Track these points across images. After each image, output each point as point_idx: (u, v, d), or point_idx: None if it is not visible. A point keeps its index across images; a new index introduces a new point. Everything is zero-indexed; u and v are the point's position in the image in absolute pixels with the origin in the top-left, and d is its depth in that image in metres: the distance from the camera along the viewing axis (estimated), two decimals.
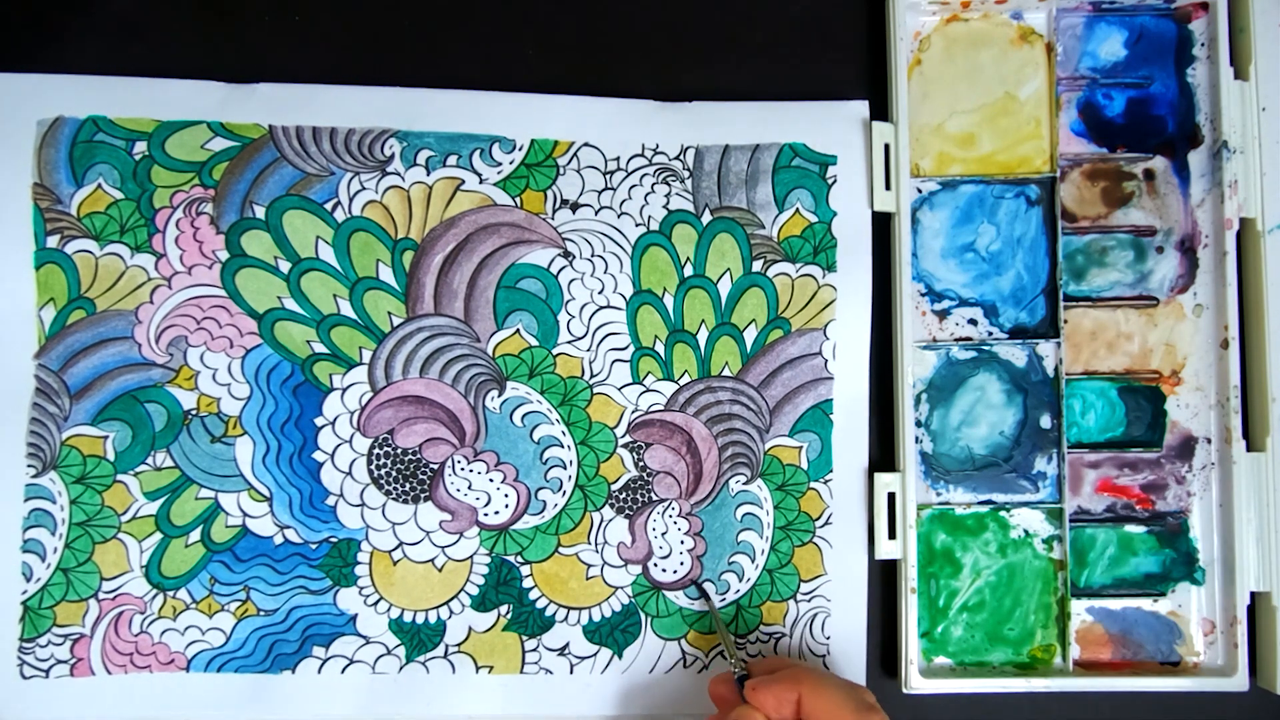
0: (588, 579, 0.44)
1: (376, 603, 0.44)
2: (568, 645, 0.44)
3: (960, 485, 0.45)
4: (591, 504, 0.44)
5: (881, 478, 0.44)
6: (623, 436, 0.44)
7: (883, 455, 0.45)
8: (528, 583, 0.44)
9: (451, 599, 0.44)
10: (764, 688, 0.39)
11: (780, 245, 0.45)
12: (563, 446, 0.44)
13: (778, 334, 0.45)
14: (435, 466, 0.44)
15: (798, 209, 0.45)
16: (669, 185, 0.45)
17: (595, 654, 0.44)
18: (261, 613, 0.43)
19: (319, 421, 0.44)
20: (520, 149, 0.45)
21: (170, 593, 0.43)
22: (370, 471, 0.44)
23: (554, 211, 0.45)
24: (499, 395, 0.44)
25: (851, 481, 0.45)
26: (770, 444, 0.45)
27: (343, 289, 0.44)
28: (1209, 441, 0.45)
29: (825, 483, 0.45)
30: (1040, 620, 0.44)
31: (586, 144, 0.45)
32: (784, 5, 0.46)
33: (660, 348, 0.44)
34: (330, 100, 0.44)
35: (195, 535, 0.43)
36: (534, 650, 0.44)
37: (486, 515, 0.44)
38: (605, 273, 0.45)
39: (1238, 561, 0.43)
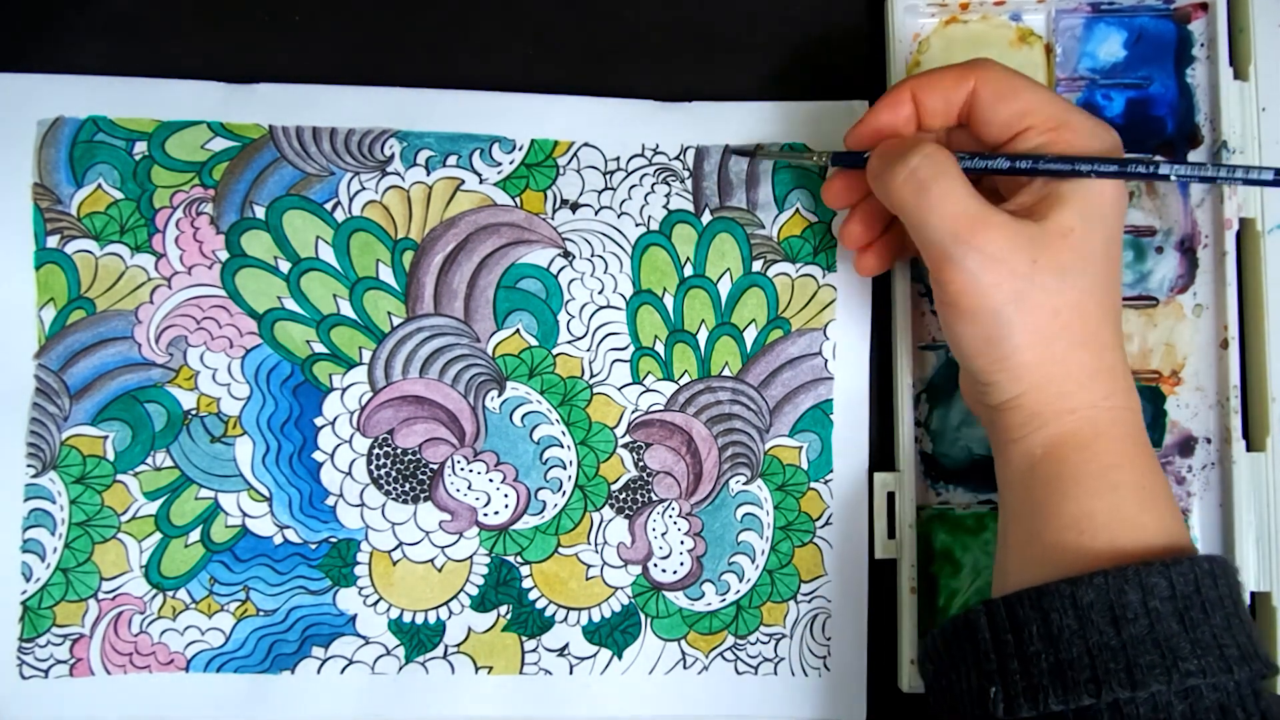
0: (587, 579, 0.44)
1: (376, 603, 0.44)
2: (567, 646, 0.44)
3: (960, 485, 0.45)
4: (591, 504, 0.44)
5: (881, 478, 0.44)
6: (623, 436, 0.44)
7: (883, 455, 0.45)
8: (527, 583, 0.44)
9: (451, 599, 0.44)
10: (927, 84, 0.37)
11: (780, 245, 0.45)
12: (563, 446, 0.44)
13: (778, 334, 0.45)
14: (435, 467, 0.44)
15: (798, 209, 0.45)
16: (669, 185, 0.45)
17: (595, 655, 0.44)
18: (261, 613, 0.43)
19: (319, 421, 0.44)
20: (520, 149, 0.45)
21: (170, 593, 0.43)
22: (370, 471, 0.44)
23: (554, 211, 0.45)
24: (499, 395, 0.44)
25: (852, 482, 0.45)
26: (770, 444, 0.45)
27: (343, 289, 0.44)
28: (1209, 441, 0.45)
29: (825, 483, 0.45)
30: None
31: (586, 144, 0.45)
32: (784, 5, 0.46)
33: (660, 348, 0.44)
34: (330, 100, 0.44)
35: (195, 535, 0.43)
36: (533, 651, 0.44)
37: (486, 515, 0.44)
38: (605, 273, 0.45)
39: (1237, 561, 0.43)
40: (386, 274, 0.44)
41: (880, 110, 0.38)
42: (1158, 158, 0.36)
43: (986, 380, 0.36)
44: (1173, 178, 0.36)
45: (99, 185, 0.44)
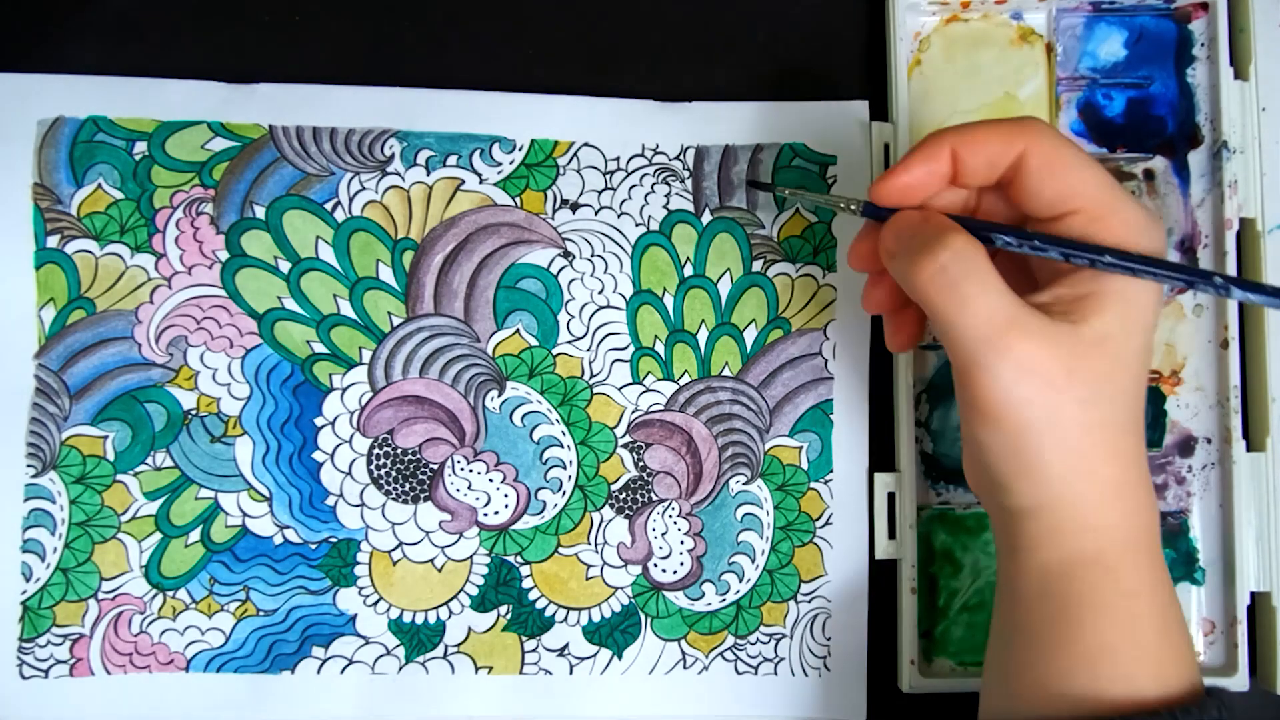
0: (587, 579, 0.44)
1: (376, 603, 0.44)
2: (567, 646, 0.44)
3: (960, 485, 0.45)
4: (591, 504, 0.44)
5: (881, 478, 0.44)
6: (623, 436, 0.44)
7: (883, 455, 0.45)
8: (527, 583, 0.44)
9: (451, 599, 0.44)
10: (971, 141, 0.33)
11: (780, 245, 0.45)
12: (563, 446, 0.44)
13: (778, 334, 0.45)
14: (435, 466, 0.44)
15: (798, 209, 0.45)
16: (669, 185, 0.45)
17: (595, 654, 0.44)
18: (261, 613, 0.43)
19: (319, 421, 0.44)
20: (520, 149, 0.45)
21: (170, 593, 0.43)
22: (370, 471, 0.44)
23: (554, 211, 0.45)
24: (499, 395, 0.44)
25: (852, 482, 0.45)
26: (770, 444, 0.45)
27: (343, 289, 0.44)
28: (1209, 441, 0.45)
29: (825, 483, 0.45)
30: None
31: (586, 144, 0.45)
32: (784, 5, 0.46)
33: (660, 348, 0.44)
34: (330, 100, 0.44)
35: (195, 535, 0.43)
36: (533, 651, 0.44)
37: (486, 515, 0.44)
38: (605, 273, 0.45)
39: (1238, 561, 0.43)
40: (386, 274, 0.44)
41: (914, 163, 0.34)
42: (1217, 275, 0.33)
43: (1006, 485, 0.34)
44: (1232, 298, 0.33)
45: (99, 185, 0.44)
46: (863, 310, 0.45)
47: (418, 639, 0.44)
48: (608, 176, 0.45)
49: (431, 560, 0.44)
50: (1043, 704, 0.33)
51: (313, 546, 0.44)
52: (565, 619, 0.44)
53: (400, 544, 0.44)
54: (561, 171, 0.45)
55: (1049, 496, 0.33)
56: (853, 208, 0.38)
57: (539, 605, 0.44)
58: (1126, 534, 0.33)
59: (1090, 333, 0.32)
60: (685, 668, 0.44)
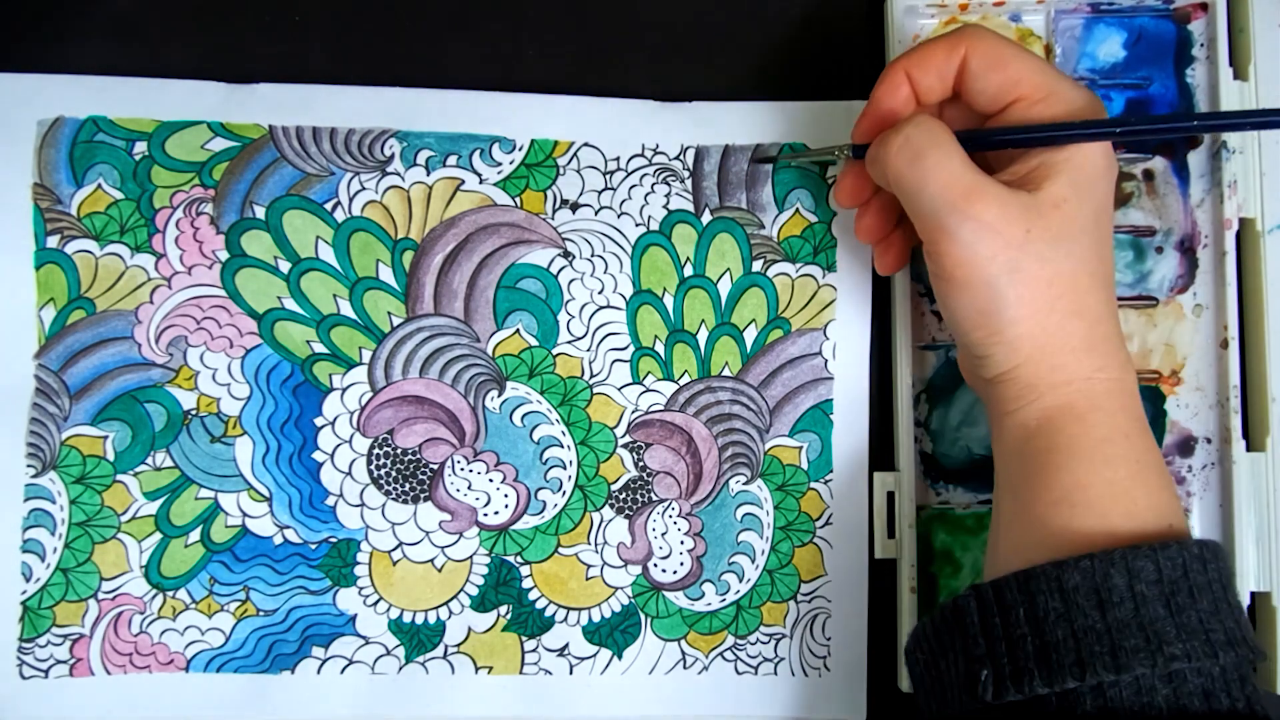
0: (587, 579, 0.44)
1: (376, 603, 0.44)
2: (567, 646, 0.44)
3: (960, 485, 0.45)
4: (591, 504, 0.44)
5: (880, 477, 0.44)
6: (623, 436, 0.44)
7: (883, 455, 0.45)
8: (527, 583, 0.44)
9: (451, 599, 0.44)
10: (920, 61, 0.37)
11: (780, 245, 0.45)
12: (562, 446, 0.44)
13: (778, 334, 0.45)
14: (435, 467, 0.44)
15: (798, 209, 0.45)
16: (669, 185, 0.45)
17: (595, 655, 0.44)
18: (261, 613, 0.43)
19: (319, 421, 0.44)
20: (520, 149, 0.45)
21: (170, 593, 0.43)
22: (370, 472, 0.44)
23: (554, 211, 0.45)
24: (499, 395, 0.44)
25: (852, 482, 0.45)
26: (770, 444, 0.45)
27: (343, 289, 0.44)
28: (1209, 441, 0.45)
29: (825, 483, 0.45)
30: None
31: (586, 144, 0.45)
32: (784, 5, 0.46)
33: (660, 348, 0.45)
34: (330, 100, 0.44)
35: (195, 535, 0.43)
36: (533, 651, 0.44)
37: (486, 515, 0.44)
38: (605, 273, 0.45)
39: (1238, 561, 0.43)
40: (386, 274, 0.44)
41: (879, 96, 0.38)
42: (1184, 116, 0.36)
43: (982, 353, 0.36)
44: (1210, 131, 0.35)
45: (99, 185, 0.44)
46: (863, 310, 0.45)
47: (418, 639, 0.44)
48: (608, 176, 0.45)
49: (431, 560, 0.44)
50: (1025, 550, 0.35)
51: (313, 546, 0.44)
52: (565, 619, 0.44)
53: (400, 544, 0.44)
54: (561, 171, 0.45)
55: (1021, 358, 0.35)
56: (847, 154, 0.41)
57: (539, 605, 0.44)
58: (1096, 386, 0.35)
59: (1046, 196, 0.34)
60: (685, 668, 0.44)
